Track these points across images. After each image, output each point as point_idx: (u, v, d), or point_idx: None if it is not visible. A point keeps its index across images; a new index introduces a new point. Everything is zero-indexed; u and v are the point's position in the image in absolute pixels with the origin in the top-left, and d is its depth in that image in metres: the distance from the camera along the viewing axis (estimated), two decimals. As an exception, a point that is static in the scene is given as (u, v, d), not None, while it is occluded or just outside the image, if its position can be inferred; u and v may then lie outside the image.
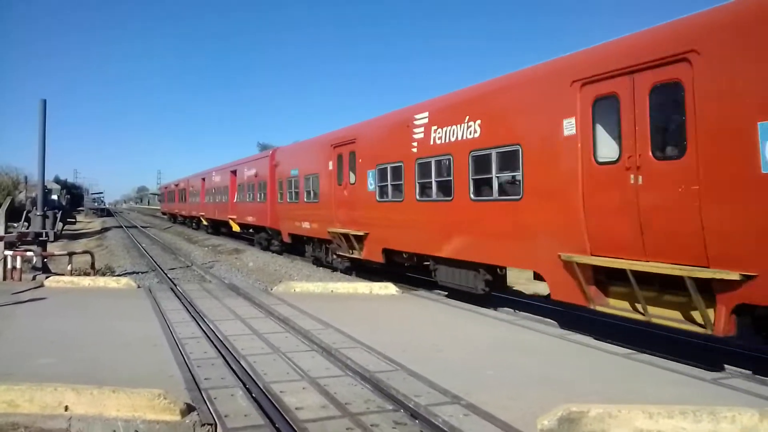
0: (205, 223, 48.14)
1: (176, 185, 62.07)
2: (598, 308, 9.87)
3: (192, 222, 54.76)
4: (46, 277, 15.62)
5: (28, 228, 18.75)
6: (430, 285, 16.51)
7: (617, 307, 9.69)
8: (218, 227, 45.14)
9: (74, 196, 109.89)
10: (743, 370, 8.77)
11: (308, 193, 23.49)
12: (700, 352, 9.34)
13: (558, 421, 5.40)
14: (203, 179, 47.69)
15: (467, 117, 13.26)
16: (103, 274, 19.80)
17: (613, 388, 6.96)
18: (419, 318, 11.74)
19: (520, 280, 17.79)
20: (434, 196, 14.71)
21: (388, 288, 14.91)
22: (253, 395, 6.53)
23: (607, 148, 9.67)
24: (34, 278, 16.03)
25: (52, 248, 21.81)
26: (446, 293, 15.13)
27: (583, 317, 12.52)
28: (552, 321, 11.88)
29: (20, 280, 15.88)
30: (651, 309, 9.03)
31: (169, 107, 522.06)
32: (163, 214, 79.01)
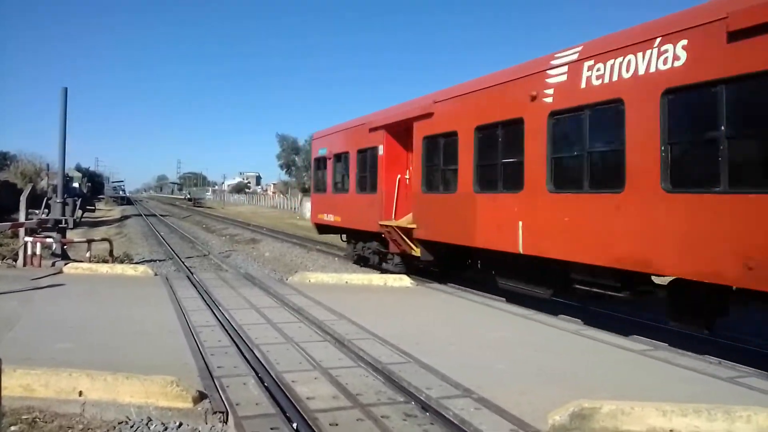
0: None
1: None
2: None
3: None
4: (65, 264, 15.83)
5: (48, 215, 18.94)
6: (444, 278, 16.46)
7: None
8: None
9: (95, 184, 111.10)
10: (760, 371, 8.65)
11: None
12: (717, 350, 9.21)
13: (570, 417, 5.36)
14: None
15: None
16: (122, 262, 20.00)
17: (627, 385, 6.89)
18: (433, 311, 11.72)
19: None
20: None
21: (403, 280, 14.91)
22: (265, 384, 6.56)
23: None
24: (53, 264, 16.24)
25: (72, 235, 22.08)
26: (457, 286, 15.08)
27: (600, 313, 12.42)
28: (567, 317, 11.76)
29: (39, 266, 16.11)
30: None
31: (187, 97, 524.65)
32: (318, 226, 22.94)
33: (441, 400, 6.09)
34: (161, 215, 63.35)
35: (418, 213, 15.05)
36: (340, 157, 20.27)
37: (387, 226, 16.25)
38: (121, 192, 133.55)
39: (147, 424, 5.63)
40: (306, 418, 5.60)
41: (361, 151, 18.36)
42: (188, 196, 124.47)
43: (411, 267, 16.59)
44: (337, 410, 5.82)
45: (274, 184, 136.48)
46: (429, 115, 14.51)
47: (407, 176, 16.54)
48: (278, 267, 21.89)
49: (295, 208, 77.32)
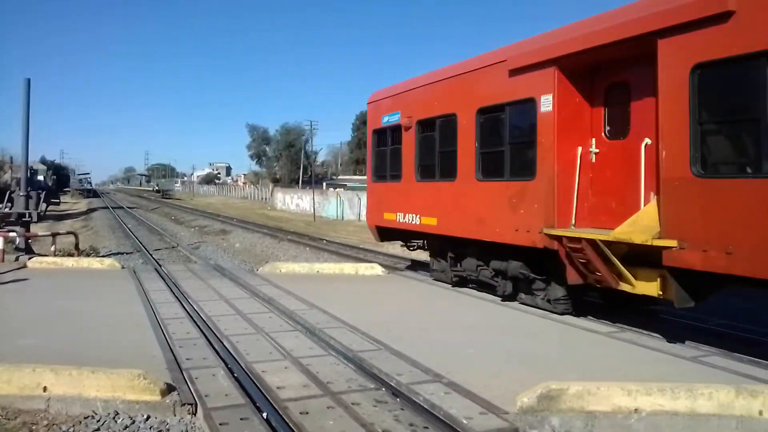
0: None
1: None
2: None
3: None
4: (29, 258, 15.48)
5: (11, 208, 18.50)
6: (417, 265, 16.54)
7: None
8: None
9: (60, 177, 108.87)
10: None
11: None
12: (680, 330, 9.41)
13: (538, 399, 5.44)
14: None
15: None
16: (88, 255, 19.65)
17: (594, 366, 7.02)
18: (404, 298, 11.77)
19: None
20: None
21: (374, 268, 14.93)
22: (235, 375, 6.52)
23: None
24: (16, 259, 15.85)
25: (36, 229, 21.61)
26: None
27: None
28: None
29: (2, 260, 15.69)
30: None
31: (155, 87, 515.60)
32: (380, 230, 15.28)
33: (411, 386, 6.12)
34: (129, 207, 62.39)
35: (682, 218, 7.64)
36: (434, 125, 12.68)
37: (571, 239, 8.93)
38: (87, 184, 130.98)
39: (114, 418, 5.55)
40: (276, 407, 5.58)
41: (487, 111, 10.99)
42: (156, 188, 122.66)
43: (581, 303, 10.21)
44: (307, 399, 5.81)
45: (244, 174, 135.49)
46: (717, 19, 7.21)
47: (593, 149, 9.63)
48: (248, 258, 21.76)
49: (266, 199, 76.86)
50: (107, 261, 15.65)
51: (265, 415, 5.40)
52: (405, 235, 14.60)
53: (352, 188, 63.94)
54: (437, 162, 12.57)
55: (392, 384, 6.27)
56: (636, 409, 5.46)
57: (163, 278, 13.32)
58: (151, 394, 5.77)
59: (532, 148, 9.89)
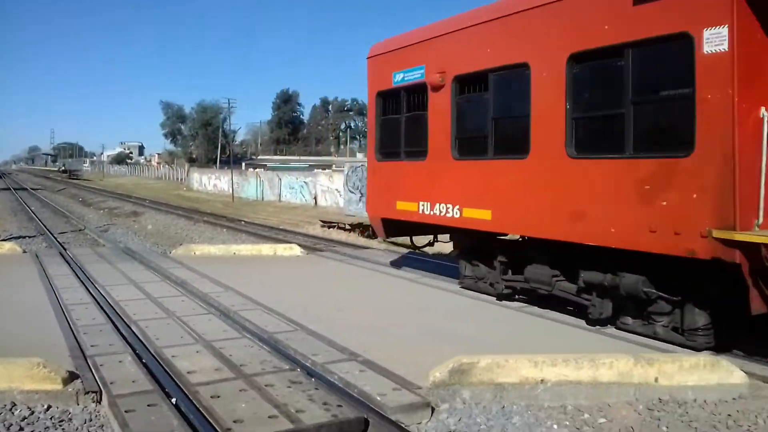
0: None
1: None
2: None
3: None
4: None
5: None
6: (337, 246, 16.51)
7: None
8: None
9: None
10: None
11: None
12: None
13: (449, 373, 5.56)
14: None
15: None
16: (-15, 240, 18.41)
17: (507, 340, 7.26)
18: (323, 278, 11.72)
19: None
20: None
21: (293, 249, 14.81)
22: (143, 361, 6.28)
23: None
24: None
25: (-75, 212, 20.05)
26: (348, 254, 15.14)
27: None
28: (452, 279, 12.15)
29: None
30: None
31: (61, 62, 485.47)
32: (387, 223, 11.54)
33: (327, 365, 6.11)
34: (33, 189, 58.93)
35: None
36: (485, 81, 9.25)
37: None
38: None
39: (11, 409, 5.23)
40: (186, 392, 5.42)
41: (589, 57, 7.71)
42: (63, 168, 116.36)
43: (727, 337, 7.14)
44: (219, 382, 5.68)
45: (158, 154, 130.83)
46: None
47: None
48: (161, 240, 21.05)
49: (181, 180, 74.53)
50: (7, 245, 14.74)
51: (174, 400, 5.24)
52: (426, 232, 11.49)
53: (273, 168, 63.00)
54: (491, 133, 9.18)
55: (307, 364, 6.24)
56: (542, 380, 5.68)
57: (68, 262, 12.66)
58: (51, 383, 5.47)
59: (687, 109, 6.61)
